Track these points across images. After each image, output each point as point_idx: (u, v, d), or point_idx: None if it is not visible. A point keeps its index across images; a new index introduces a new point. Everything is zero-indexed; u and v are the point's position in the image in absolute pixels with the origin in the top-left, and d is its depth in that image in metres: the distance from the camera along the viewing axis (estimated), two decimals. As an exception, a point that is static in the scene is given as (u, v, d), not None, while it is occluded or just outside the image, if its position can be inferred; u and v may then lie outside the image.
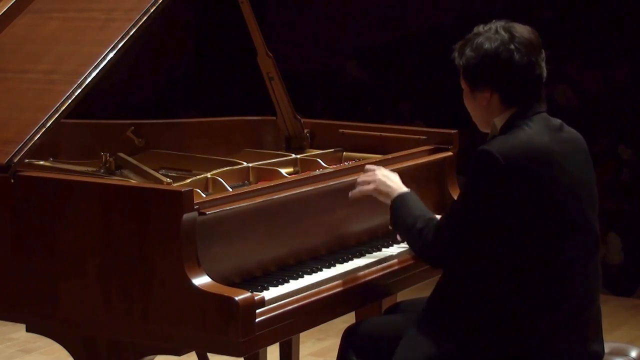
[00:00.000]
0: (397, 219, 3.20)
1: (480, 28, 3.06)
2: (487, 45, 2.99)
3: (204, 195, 3.09)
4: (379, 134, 4.01)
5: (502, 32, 3.00)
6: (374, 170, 3.31)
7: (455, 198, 3.86)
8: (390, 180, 3.26)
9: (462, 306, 3.00)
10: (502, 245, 2.92)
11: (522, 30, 3.02)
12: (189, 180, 3.36)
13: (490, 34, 3.01)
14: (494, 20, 3.06)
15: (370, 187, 3.27)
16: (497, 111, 3.04)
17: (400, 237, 3.31)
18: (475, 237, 2.94)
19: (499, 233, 2.91)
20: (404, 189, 3.25)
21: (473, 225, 2.94)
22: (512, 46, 2.98)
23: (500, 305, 2.94)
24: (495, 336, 2.94)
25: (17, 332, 5.50)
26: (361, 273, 3.23)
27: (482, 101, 3.04)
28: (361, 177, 3.31)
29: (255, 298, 2.83)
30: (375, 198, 3.27)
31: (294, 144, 4.03)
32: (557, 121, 3.06)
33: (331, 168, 3.61)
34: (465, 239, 2.96)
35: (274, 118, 4.06)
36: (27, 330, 3.14)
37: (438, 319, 3.05)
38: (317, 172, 3.46)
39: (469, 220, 2.94)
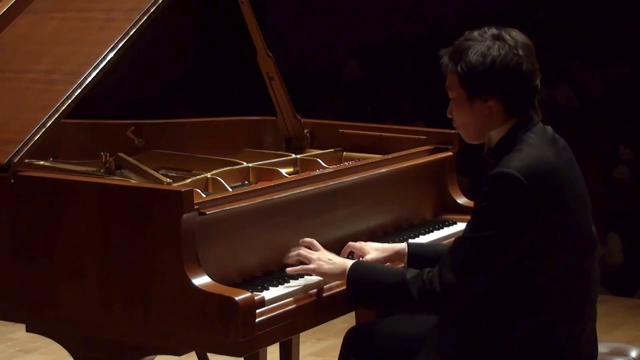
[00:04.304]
0: (367, 286, 2.99)
1: (475, 34, 2.93)
2: (494, 52, 2.86)
3: (204, 195, 3.09)
4: (379, 134, 4.01)
5: (503, 38, 2.88)
6: (311, 243, 3.13)
7: (456, 199, 3.87)
8: (332, 258, 3.08)
9: (469, 320, 2.95)
10: (520, 265, 2.83)
11: (518, 36, 2.92)
12: (189, 180, 3.36)
13: (488, 40, 2.88)
14: (484, 27, 2.94)
15: (312, 266, 3.05)
16: (497, 122, 2.92)
17: (377, 304, 3.10)
18: (498, 262, 2.82)
19: (523, 254, 2.82)
20: (348, 262, 3.06)
21: (498, 252, 2.81)
22: (520, 53, 2.87)
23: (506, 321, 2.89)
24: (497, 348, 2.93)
25: (17, 332, 5.50)
26: (361, 273, 3.22)
27: (483, 110, 2.91)
28: (301, 252, 3.10)
29: (255, 298, 2.83)
30: (375, 198, 3.25)
31: (294, 144, 4.03)
32: (550, 130, 2.96)
33: (331, 168, 3.60)
34: (487, 267, 2.83)
35: (274, 118, 4.07)
36: (27, 330, 3.13)
37: (445, 335, 2.99)
38: (317, 172, 3.46)
39: (494, 246, 2.81)
